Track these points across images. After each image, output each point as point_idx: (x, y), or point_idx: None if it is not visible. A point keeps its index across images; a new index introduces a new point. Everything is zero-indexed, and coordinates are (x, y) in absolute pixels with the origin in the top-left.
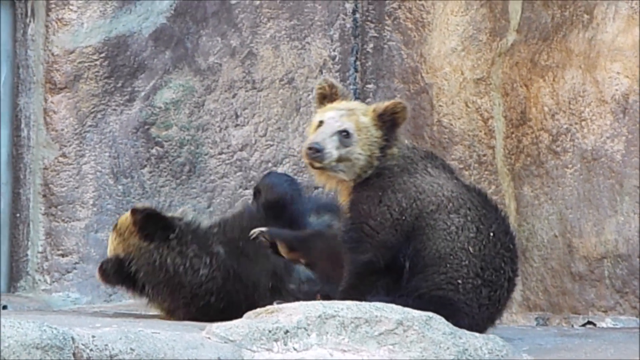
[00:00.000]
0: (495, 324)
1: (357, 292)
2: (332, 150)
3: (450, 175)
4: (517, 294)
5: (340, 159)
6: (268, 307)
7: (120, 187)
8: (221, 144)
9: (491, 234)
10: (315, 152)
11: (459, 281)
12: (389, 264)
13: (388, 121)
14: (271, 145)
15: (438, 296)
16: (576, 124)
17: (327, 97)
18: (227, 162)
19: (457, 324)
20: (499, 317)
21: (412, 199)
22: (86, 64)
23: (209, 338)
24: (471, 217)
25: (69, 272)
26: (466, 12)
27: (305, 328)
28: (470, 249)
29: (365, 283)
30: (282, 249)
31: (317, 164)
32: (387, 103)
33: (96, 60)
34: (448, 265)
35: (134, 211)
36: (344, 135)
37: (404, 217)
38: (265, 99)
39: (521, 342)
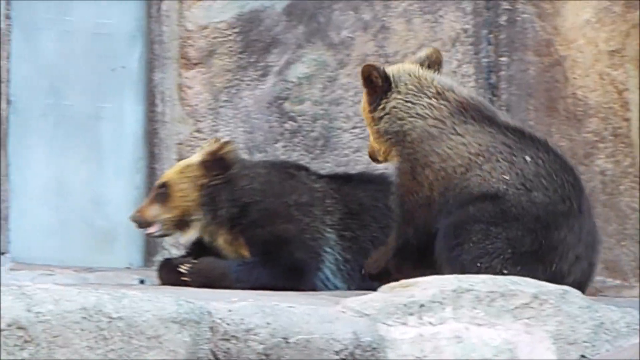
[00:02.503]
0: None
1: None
2: None
3: (482, 125)
4: None
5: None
6: (402, 281)
7: None
8: (354, 118)
9: (526, 157)
10: None
11: (506, 177)
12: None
13: None
14: None
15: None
16: None
17: None
18: (360, 136)
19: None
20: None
21: (437, 170)
22: (220, 40)
23: (343, 312)
24: (503, 158)
25: None
26: None
27: (440, 302)
28: (507, 177)
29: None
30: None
31: None
32: None
33: (229, 35)
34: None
35: None
36: None
37: (433, 193)
38: None
39: None
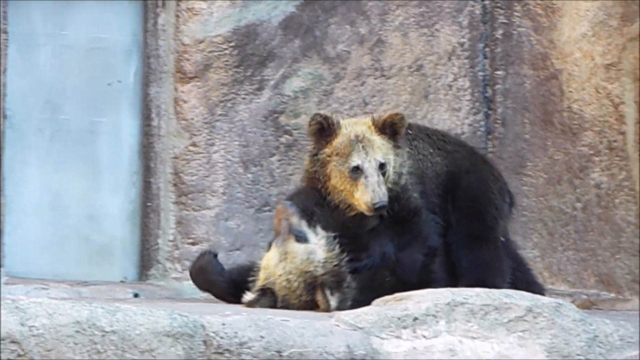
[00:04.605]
0: None
1: None
2: None
3: None
4: None
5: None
6: (396, 294)
7: (249, 175)
8: None
9: None
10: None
11: None
12: None
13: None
14: None
15: None
16: None
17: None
18: None
19: None
20: None
21: None
22: (216, 53)
23: (337, 325)
24: None
25: None
26: None
27: (434, 315)
28: None
29: None
30: None
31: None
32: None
33: (226, 49)
34: None
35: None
36: None
37: None
38: (394, 87)
39: None
